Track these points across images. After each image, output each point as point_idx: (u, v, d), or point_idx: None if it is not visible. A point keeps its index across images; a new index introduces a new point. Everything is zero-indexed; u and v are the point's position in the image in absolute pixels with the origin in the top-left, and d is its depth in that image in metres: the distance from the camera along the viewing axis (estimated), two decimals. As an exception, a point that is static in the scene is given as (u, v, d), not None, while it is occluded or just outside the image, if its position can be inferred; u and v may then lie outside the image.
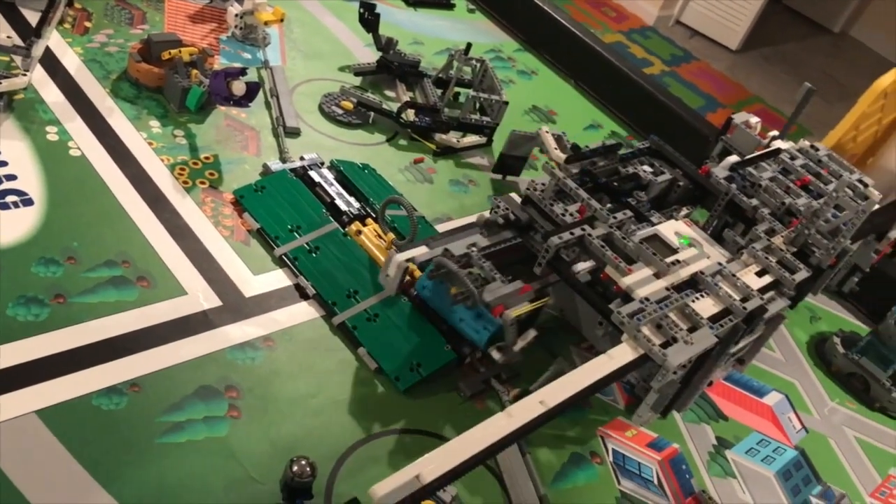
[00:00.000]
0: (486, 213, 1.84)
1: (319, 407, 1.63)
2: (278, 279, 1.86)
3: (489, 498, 1.60)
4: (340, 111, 2.44)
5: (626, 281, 1.67)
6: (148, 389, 1.54)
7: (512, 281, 1.76)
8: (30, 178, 1.85)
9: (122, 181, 1.94)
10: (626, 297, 1.65)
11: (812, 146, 2.34)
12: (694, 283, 1.75)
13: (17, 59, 2.08)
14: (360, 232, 1.97)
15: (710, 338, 1.61)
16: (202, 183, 2.02)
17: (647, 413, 1.73)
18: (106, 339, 1.60)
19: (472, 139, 2.52)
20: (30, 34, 2.11)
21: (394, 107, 2.47)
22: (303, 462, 1.40)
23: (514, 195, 1.87)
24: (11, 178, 1.83)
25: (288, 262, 1.89)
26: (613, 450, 1.79)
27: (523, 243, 1.84)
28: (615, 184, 1.95)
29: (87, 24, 2.39)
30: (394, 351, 1.76)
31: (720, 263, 1.80)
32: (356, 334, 1.78)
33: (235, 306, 1.76)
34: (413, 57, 2.70)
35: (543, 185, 1.86)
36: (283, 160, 2.16)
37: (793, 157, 2.23)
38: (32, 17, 2.24)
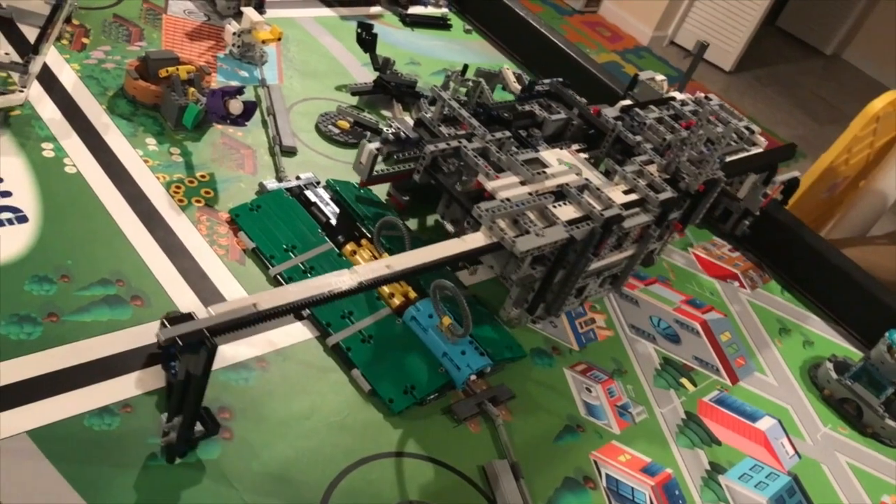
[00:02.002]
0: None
1: (313, 429, 1.63)
2: (273, 299, 1.86)
3: (482, 522, 1.59)
4: (337, 130, 2.44)
5: (491, 184, 1.79)
6: (140, 410, 1.54)
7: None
8: (24, 195, 1.84)
9: (117, 199, 1.93)
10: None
11: (706, 96, 2.49)
12: (561, 196, 1.87)
13: (15, 76, 2.08)
14: (354, 252, 1.97)
15: (561, 233, 1.73)
16: (198, 201, 2.02)
17: (511, 309, 1.89)
18: (99, 359, 1.59)
19: (467, 159, 2.52)
20: (28, 50, 2.12)
21: (390, 126, 2.47)
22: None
23: (406, 117, 2.02)
24: (6, 194, 1.83)
25: (282, 281, 1.89)
26: (607, 475, 1.78)
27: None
28: (506, 115, 2.09)
29: (85, 40, 2.39)
30: (388, 373, 1.76)
31: (587, 180, 1.92)
32: (350, 356, 1.78)
33: (229, 326, 1.75)
34: (409, 77, 2.71)
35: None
36: (279, 179, 2.16)
37: (684, 104, 2.36)
38: (31, 34, 2.24)
